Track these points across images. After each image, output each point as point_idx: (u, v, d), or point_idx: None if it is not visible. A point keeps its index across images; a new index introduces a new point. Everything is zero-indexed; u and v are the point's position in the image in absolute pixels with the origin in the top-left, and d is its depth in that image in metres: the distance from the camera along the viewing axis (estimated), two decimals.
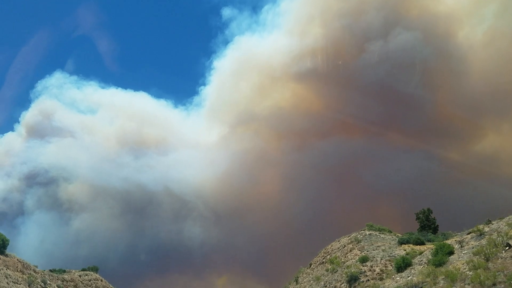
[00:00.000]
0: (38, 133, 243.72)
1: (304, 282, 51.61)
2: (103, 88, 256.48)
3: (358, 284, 36.95)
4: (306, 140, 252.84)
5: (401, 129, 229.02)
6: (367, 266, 38.52)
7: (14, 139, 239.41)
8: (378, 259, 39.02)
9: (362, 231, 50.47)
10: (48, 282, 51.97)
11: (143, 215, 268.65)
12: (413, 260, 35.89)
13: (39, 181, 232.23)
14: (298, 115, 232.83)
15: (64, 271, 67.89)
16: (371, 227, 51.80)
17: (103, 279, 72.32)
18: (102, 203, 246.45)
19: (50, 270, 63.12)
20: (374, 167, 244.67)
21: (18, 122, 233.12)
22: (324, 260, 50.82)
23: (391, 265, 37.60)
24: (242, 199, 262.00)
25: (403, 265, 35.25)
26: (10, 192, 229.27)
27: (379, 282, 36.16)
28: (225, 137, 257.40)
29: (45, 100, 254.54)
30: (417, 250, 39.55)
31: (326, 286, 40.53)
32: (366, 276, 37.40)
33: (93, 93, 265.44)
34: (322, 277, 45.07)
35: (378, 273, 37.15)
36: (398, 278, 33.87)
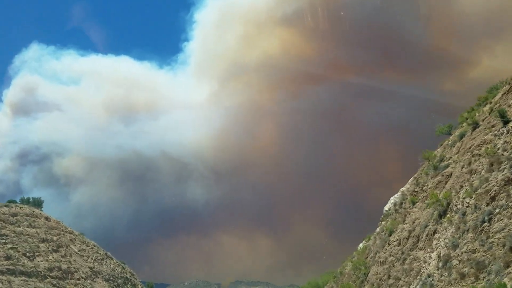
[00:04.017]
0: (23, 110, 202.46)
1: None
2: (82, 56, 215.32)
3: None
4: (299, 86, 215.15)
5: (395, 64, 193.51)
6: None
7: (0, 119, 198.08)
8: None
9: None
10: None
11: (143, 181, 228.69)
12: None
13: (32, 159, 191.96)
14: (288, 62, 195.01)
15: None
16: None
17: (50, 217, 35.94)
18: (99, 174, 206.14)
19: None
20: (371, 107, 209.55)
21: (1, 101, 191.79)
22: None
23: None
24: (241, 154, 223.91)
25: None
26: (4, 173, 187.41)
27: None
28: (215, 94, 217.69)
29: (25, 75, 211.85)
30: None
31: None
32: None
33: (73, 62, 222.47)
34: None
35: None
36: None
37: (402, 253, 15.94)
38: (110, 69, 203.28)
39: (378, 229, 21.49)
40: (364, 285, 17.25)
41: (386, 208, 22.30)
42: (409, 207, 18.33)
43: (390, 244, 17.62)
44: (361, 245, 24.07)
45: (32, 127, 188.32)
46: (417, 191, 18.45)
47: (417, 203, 17.78)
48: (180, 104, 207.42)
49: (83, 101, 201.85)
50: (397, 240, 17.14)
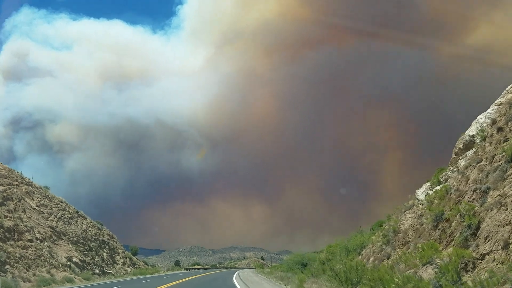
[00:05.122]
0: (15, 75, 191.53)
1: None
2: (74, 20, 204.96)
3: None
4: (296, 52, 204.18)
5: (393, 28, 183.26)
6: None
7: None
8: None
9: None
10: None
11: (137, 149, 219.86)
12: None
13: (25, 125, 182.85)
14: (285, 26, 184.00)
15: None
16: None
17: (5, 166, 27.55)
18: (93, 141, 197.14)
19: None
20: (368, 73, 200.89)
21: None
22: None
23: None
24: (236, 121, 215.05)
25: None
26: None
27: None
28: (211, 59, 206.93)
29: (16, 40, 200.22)
30: None
31: None
32: None
33: (65, 26, 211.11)
34: None
35: None
36: None
37: None
38: (102, 33, 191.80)
39: (462, 163, 13.48)
40: (476, 244, 9.40)
41: (470, 133, 14.20)
42: None
43: None
44: (421, 190, 16.14)
45: (24, 93, 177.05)
46: None
47: None
48: (174, 70, 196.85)
49: (75, 67, 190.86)
50: None
